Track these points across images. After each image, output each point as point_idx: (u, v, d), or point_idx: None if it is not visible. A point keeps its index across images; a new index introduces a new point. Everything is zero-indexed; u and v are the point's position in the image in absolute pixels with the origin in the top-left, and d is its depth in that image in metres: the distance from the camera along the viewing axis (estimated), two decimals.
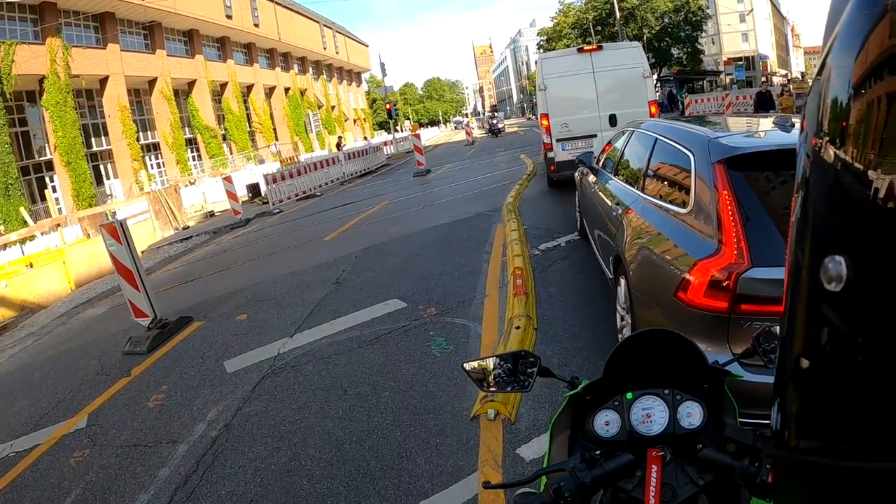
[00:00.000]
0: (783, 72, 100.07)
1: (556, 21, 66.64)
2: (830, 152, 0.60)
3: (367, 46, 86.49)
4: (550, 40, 64.71)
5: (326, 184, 24.60)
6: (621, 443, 1.63)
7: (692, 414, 1.68)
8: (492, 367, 1.90)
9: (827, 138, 0.61)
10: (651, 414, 1.68)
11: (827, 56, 0.64)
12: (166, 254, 15.73)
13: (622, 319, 4.95)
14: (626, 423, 1.68)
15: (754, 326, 3.22)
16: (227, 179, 20.23)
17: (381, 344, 6.11)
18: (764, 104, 21.05)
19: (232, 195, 19.32)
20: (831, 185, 0.60)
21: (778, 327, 1.89)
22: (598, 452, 1.57)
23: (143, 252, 8.50)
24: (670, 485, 1.52)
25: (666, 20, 61.88)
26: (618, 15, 48.58)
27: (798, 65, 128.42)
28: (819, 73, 0.67)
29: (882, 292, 0.52)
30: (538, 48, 68.87)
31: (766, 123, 4.93)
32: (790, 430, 0.65)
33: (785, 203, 3.82)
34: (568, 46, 47.15)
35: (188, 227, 20.54)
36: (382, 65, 48.72)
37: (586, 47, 13.53)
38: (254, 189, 25.39)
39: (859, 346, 0.54)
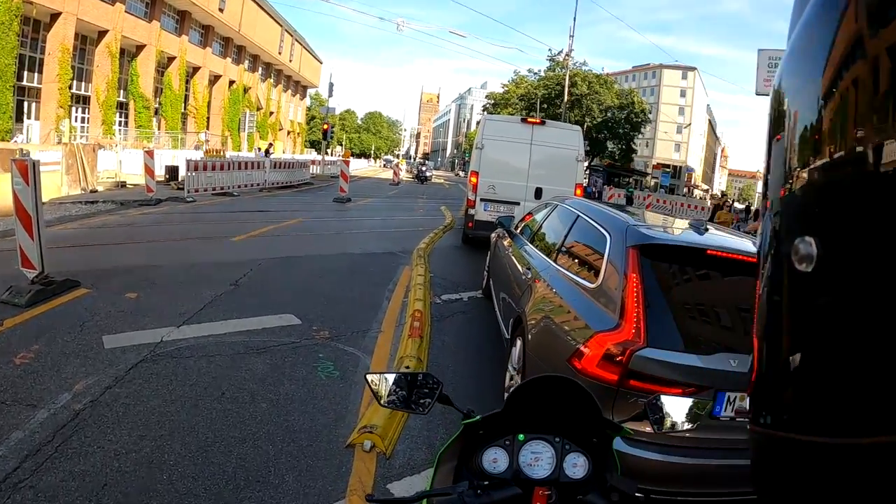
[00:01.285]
0: (705, 187, 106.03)
1: (506, 89, 68.41)
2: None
3: (321, 63, 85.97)
4: (497, 105, 66.22)
5: (246, 186, 24.09)
6: (506, 481, 1.69)
7: (577, 465, 1.77)
8: (393, 382, 1.94)
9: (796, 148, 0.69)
10: (539, 458, 1.76)
11: (781, 108, 0.73)
12: (67, 212, 14.93)
13: (511, 379, 5.07)
14: (514, 463, 1.75)
15: (639, 402, 3.38)
16: (149, 154, 19.39)
17: (268, 355, 5.99)
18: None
19: (150, 171, 18.60)
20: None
21: (665, 399, 2.02)
22: (486, 483, 1.63)
23: (44, 203, 8.11)
24: None
25: (609, 115, 64.75)
26: (566, 98, 50.06)
27: (720, 184, 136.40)
28: (776, 129, 0.74)
29: (849, 269, 0.56)
30: (483, 110, 70.22)
31: (682, 224, 5.21)
32: (769, 408, 0.68)
33: (684, 297, 4.07)
34: (512, 115, 48.33)
35: (96, 191, 19.59)
36: (331, 85, 48.15)
37: (531, 119, 13.89)
38: (172, 171, 24.55)
39: (830, 322, 0.58)
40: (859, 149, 0.61)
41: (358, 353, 6.33)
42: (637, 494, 1.58)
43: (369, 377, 1.95)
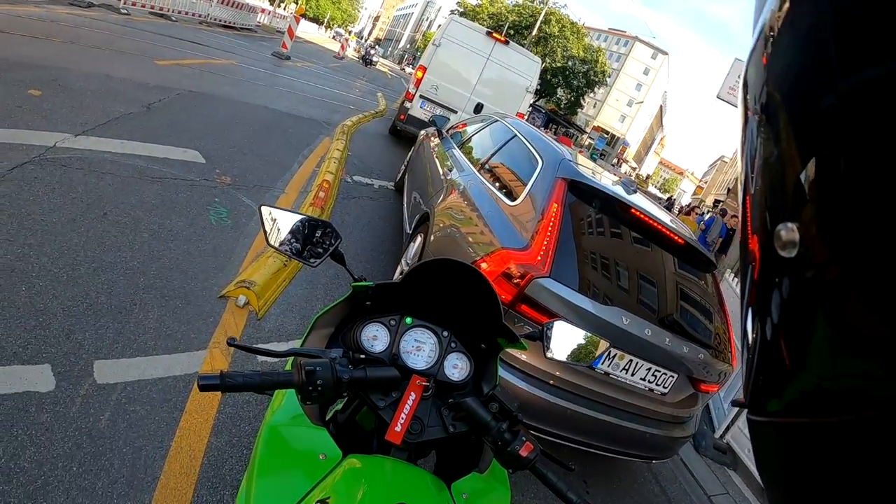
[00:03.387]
0: (634, 165, 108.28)
1: (480, 2, 67.12)
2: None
3: None
4: (464, 15, 64.87)
5: (187, 13, 22.50)
6: (382, 361, 1.57)
7: (458, 367, 1.67)
8: (291, 223, 1.77)
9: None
10: (421, 348, 1.66)
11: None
12: None
13: (401, 273, 4.99)
14: (395, 345, 1.64)
15: (524, 328, 3.35)
16: None
17: (162, 186, 5.63)
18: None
19: None
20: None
21: (563, 326, 1.94)
22: (362, 356, 1.50)
23: None
24: (421, 419, 1.49)
25: (570, 63, 64.30)
26: (535, 32, 49.33)
27: (650, 167, 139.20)
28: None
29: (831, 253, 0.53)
30: (450, 13, 68.87)
31: (613, 178, 5.20)
32: (763, 395, 0.65)
33: (597, 244, 4.06)
34: None
35: None
36: None
37: (496, 35, 13.40)
38: None
39: (816, 306, 0.55)
40: None
41: (255, 206, 6.06)
42: (516, 414, 1.47)
43: (265, 209, 1.75)
